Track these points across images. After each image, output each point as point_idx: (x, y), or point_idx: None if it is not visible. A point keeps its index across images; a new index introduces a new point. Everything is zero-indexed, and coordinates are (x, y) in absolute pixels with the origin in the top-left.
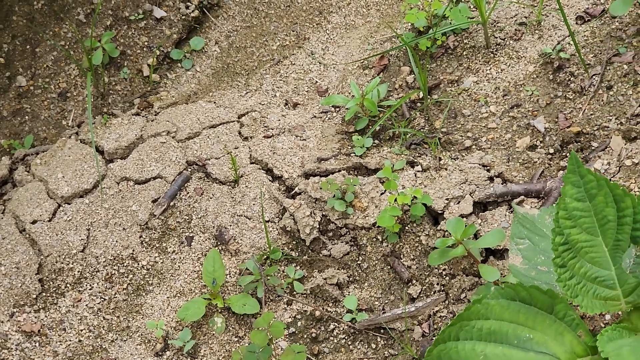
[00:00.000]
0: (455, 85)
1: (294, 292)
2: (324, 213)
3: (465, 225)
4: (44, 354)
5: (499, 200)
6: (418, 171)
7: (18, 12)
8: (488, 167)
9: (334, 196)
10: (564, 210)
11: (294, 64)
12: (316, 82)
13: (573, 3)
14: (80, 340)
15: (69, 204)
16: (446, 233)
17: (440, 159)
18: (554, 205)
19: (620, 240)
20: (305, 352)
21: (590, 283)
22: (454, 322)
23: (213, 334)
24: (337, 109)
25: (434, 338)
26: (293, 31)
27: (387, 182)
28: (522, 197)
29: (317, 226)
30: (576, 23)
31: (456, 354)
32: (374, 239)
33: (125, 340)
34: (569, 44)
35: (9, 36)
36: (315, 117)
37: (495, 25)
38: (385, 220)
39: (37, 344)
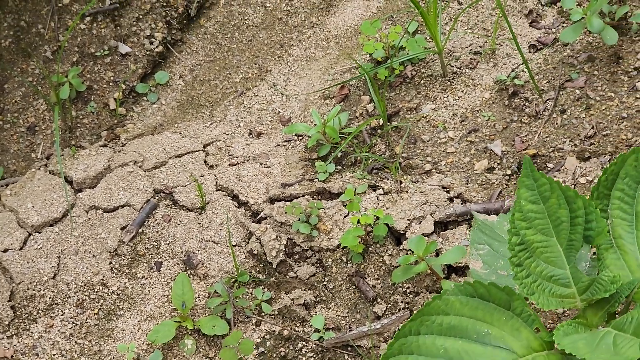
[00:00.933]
0: (414, 112)
1: (262, 313)
2: (289, 236)
3: (427, 244)
4: None
5: (459, 219)
6: (380, 194)
7: None
8: (448, 189)
9: (299, 220)
10: (520, 212)
11: (256, 95)
12: (279, 112)
13: (526, 32)
14: None
15: (39, 232)
16: (409, 252)
17: (401, 182)
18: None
19: (574, 240)
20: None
21: (546, 282)
22: (415, 317)
23: (184, 356)
24: (300, 138)
25: None
26: (255, 64)
27: (350, 203)
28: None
29: (283, 249)
30: (529, 51)
31: (417, 348)
32: (339, 260)
33: None
34: (522, 71)
35: None
36: (278, 145)
37: (451, 55)
38: (348, 240)
39: None
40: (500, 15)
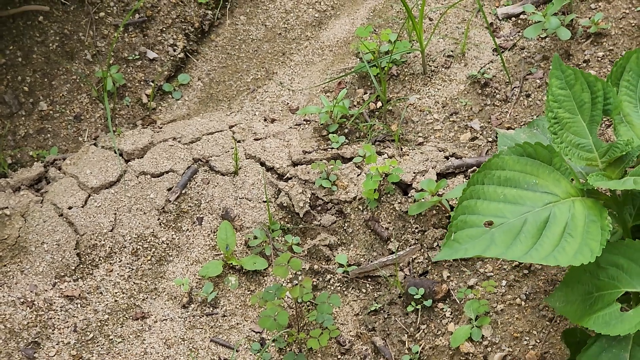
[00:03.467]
0: (403, 101)
1: (294, 253)
2: (312, 191)
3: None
4: (85, 312)
5: (456, 171)
6: (385, 157)
7: (37, 52)
8: (443, 150)
9: (321, 177)
10: (552, 95)
11: (267, 91)
12: (287, 103)
13: (488, 40)
14: (116, 301)
15: (98, 193)
16: (421, 191)
17: (402, 149)
18: (526, 126)
19: (595, 115)
20: (311, 285)
21: (574, 148)
22: (480, 170)
23: (229, 290)
24: (308, 122)
25: (414, 278)
26: (262, 68)
27: (368, 157)
28: (475, 167)
29: (308, 201)
30: (493, 54)
31: (483, 194)
32: (356, 209)
33: (154, 298)
34: (489, 68)
35: (30, 71)
36: (291, 128)
37: (428, 57)
38: (369, 184)
39: (78, 305)
40: (468, 24)
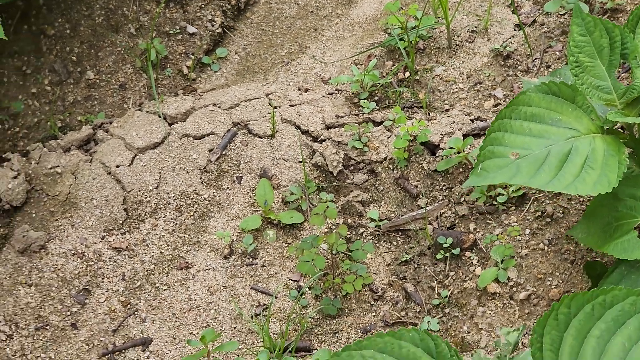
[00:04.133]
0: (429, 72)
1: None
2: (345, 152)
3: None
4: (133, 263)
5: (481, 133)
6: (414, 121)
7: (84, 25)
8: (468, 115)
9: (353, 138)
10: (573, 41)
11: (300, 64)
12: (320, 75)
13: (510, 17)
14: (161, 252)
15: (143, 153)
16: (449, 148)
17: (429, 114)
18: (548, 75)
19: (613, 60)
20: (346, 232)
21: (594, 90)
22: (508, 106)
23: (267, 242)
24: (339, 92)
25: (442, 230)
26: (296, 43)
27: (399, 117)
28: None
29: (342, 161)
30: (514, 30)
31: (510, 128)
32: (387, 168)
33: (197, 250)
34: (511, 43)
35: (77, 42)
36: (324, 96)
37: (453, 33)
38: (399, 143)
39: (126, 256)
40: (491, 2)
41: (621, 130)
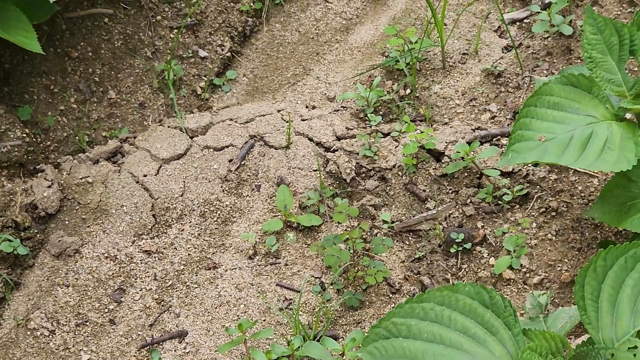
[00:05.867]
0: (427, 90)
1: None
2: (357, 161)
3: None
4: (163, 264)
5: (483, 140)
6: (418, 132)
7: (104, 48)
8: (469, 125)
9: (363, 148)
10: (586, 39)
11: (305, 84)
12: (325, 93)
13: (497, 41)
14: (189, 254)
15: (168, 164)
16: (456, 153)
17: (432, 126)
18: (558, 73)
19: (622, 55)
20: (368, 227)
21: (607, 83)
22: (532, 95)
23: (288, 244)
24: (346, 108)
25: (451, 229)
26: (300, 65)
27: (407, 126)
28: (499, 136)
29: (354, 169)
30: (502, 52)
31: (536, 114)
32: (396, 174)
33: (223, 252)
34: (500, 63)
35: (99, 64)
36: (331, 113)
37: (446, 54)
38: (409, 149)
39: (156, 259)
40: (480, 27)
41: (633, 120)
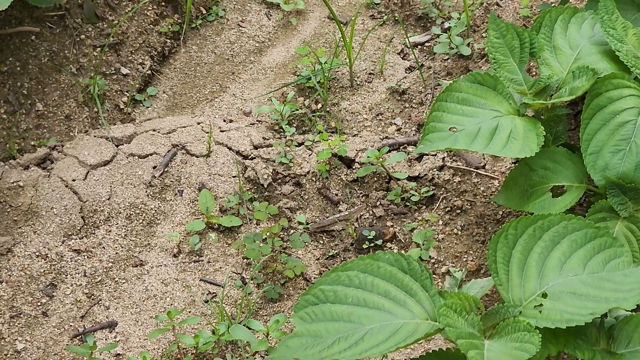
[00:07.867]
0: (336, 105)
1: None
2: (273, 167)
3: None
4: (92, 262)
5: (390, 148)
6: (331, 140)
7: (31, 64)
8: (377, 135)
9: (280, 155)
10: (490, 43)
11: (223, 101)
12: (241, 109)
13: (401, 62)
14: (117, 253)
15: (95, 170)
16: (367, 158)
17: (343, 137)
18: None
19: (523, 57)
20: (287, 223)
21: (509, 82)
22: (443, 91)
23: (210, 244)
24: (261, 122)
25: (363, 228)
26: (217, 84)
27: (320, 134)
28: (405, 144)
29: (271, 175)
30: (405, 72)
31: (446, 108)
32: (310, 180)
33: (149, 251)
34: (404, 82)
35: (27, 78)
36: (247, 126)
37: (353, 74)
38: (323, 154)
39: (85, 257)
40: (385, 50)
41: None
